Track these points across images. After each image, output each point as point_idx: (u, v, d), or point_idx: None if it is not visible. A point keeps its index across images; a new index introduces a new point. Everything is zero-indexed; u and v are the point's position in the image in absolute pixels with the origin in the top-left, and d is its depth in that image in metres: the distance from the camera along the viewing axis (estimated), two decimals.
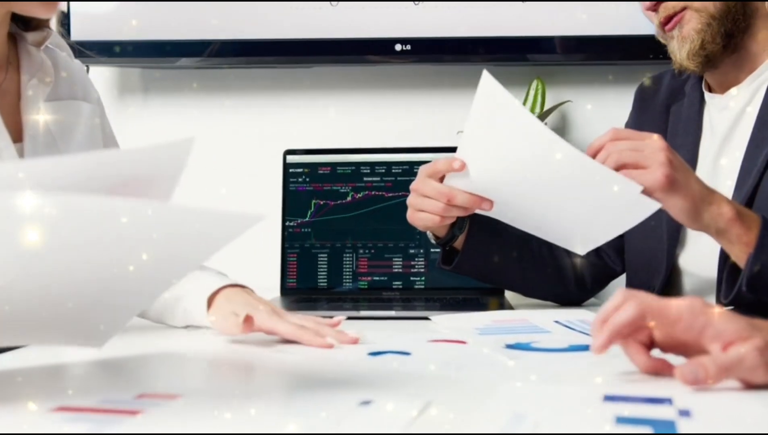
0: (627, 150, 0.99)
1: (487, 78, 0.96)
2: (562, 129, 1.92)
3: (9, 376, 0.80)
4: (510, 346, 0.93)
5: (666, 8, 1.19)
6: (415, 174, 1.15)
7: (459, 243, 1.28)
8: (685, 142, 1.26)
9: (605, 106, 1.87)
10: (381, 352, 0.90)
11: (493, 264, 1.31)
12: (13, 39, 1.00)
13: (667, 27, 1.20)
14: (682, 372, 0.69)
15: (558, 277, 1.36)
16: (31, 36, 1.01)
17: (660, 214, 1.26)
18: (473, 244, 1.28)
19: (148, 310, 1.09)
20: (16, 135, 0.97)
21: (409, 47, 1.83)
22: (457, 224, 1.24)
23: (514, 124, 0.99)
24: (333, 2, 1.83)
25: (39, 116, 0.99)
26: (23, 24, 1.01)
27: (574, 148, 0.96)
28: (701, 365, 0.69)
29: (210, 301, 1.01)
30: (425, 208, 1.14)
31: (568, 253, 1.35)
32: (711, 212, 1.01)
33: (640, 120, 1.37)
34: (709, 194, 1.02)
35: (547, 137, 0.96)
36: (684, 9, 1.18)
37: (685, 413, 0.62)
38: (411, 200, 1.17)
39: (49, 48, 1.04)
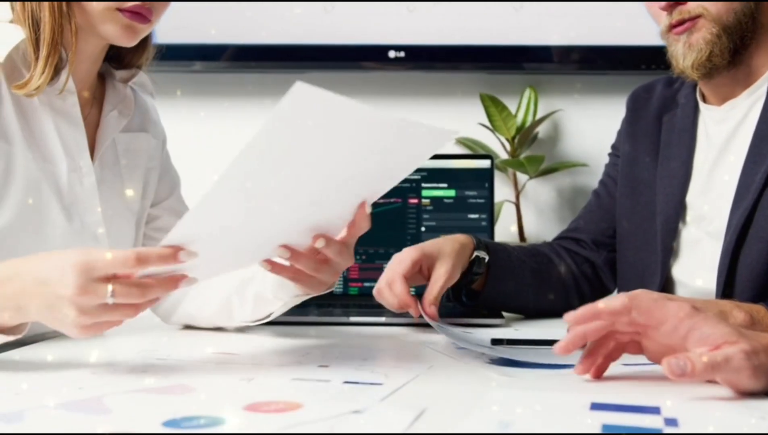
0: None
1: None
2: (554, 137, 1.92)
3: (14, 371, 0.82)
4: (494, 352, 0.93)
5: (681, 12, 1.16)
6: (407, 179, 1.12)
7: (479, 284, 1.26)
8: (679, 152, 1.25)
9: (597, 116, 1.88)
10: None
11: (512, 298, 1.30)
12: (102, 76, 1.12)
13: (677, 30, 1.17)
14: (669, 364, 0.70)
15: (564, 296, 1.34)
16: (120, 73, 1.13)
17: (653, 225, 1.26)
18: (494, 282, 1.26)
19: (203, 314, 1.12)
20: (91, 156, 1.08)
21: (402, 54, 1.83)
22: (476, 264, 1.22)
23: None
24: (328, 6, 1.84)
25: (111, 143, 1.12)
26: (117, 62, 1.13)
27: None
28: (688, 359, 0.69)
29: None
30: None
31: (570, 270, 1.35)
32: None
33: (632, 129, 1.37)
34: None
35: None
36: (699, 16, 1.16)
37: (672, 422, 0.62)
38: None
39: (133, 87, 1.16)
